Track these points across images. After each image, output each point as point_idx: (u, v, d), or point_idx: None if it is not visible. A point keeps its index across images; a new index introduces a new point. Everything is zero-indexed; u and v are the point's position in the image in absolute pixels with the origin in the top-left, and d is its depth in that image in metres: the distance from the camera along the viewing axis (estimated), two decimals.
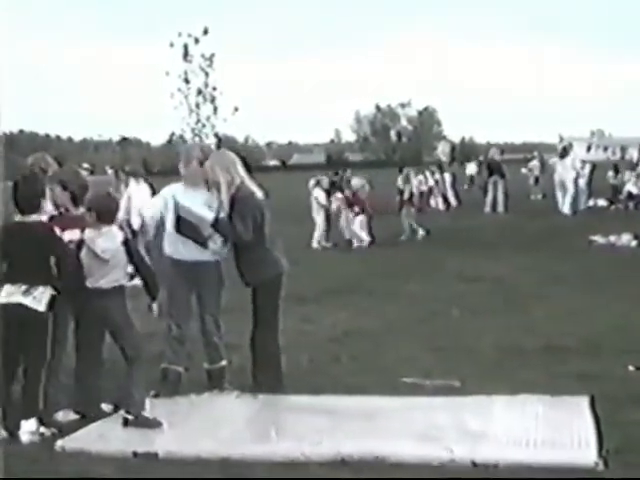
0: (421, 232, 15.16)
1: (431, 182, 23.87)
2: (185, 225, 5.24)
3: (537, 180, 27.55)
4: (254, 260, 5.30)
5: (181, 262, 5.32)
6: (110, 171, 17.14)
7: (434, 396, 5.16)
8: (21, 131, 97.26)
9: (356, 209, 14.69)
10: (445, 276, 10.39)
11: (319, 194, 15.06)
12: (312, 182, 15.17)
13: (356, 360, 6.21)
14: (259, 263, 5.32)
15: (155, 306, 4.95)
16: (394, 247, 14.21)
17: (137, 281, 6.01)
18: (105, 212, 4.76)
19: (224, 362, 5.47)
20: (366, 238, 14.57)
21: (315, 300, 8.96)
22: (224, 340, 5.53)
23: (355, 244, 14.50)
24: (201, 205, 5.30)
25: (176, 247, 5.34)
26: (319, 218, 14.89)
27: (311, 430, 4.53)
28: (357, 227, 14.68)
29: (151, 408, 5.04)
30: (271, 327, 5.39)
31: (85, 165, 15.84)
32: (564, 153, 20.61)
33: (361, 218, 14.75)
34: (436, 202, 23.80)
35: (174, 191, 5.39)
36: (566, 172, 19.70)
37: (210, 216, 5.26)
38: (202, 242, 5.26)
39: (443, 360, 6.07)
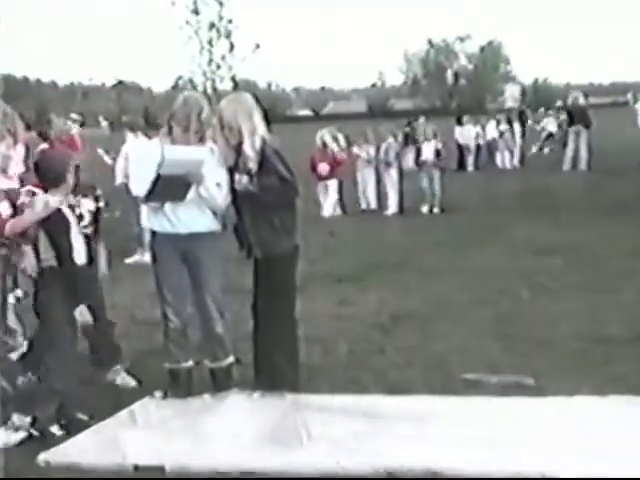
0: (436, 209, 14.73)
1: (494, 134, 23.69)
2: (165, 183, 5.07)
3: None
4: (281, 226, 5.28)
5: (171, 236, 5.28)
6: (104, 123, 17.15)
7: (501, 396, 5.12)
8: None
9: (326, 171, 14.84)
10: (512, 247, 10.32)
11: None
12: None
13: (404, 351, 6.20)
14: (287, 230, 5.32)
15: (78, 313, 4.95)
16: (449, 213, 14.18)
17: (138, 257, 6.07)
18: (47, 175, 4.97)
19: (231, 358, 5.45)
20: (329, 209, 14.85)
21: (355, 278, 8.98)
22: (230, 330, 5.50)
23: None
24: (192, 150, 5.22)
25: (163, 217, 5.26)
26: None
27: (349, 436, 4.53)
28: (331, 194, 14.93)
29: (158, 411, 5.09)
30: (291, 309, 5.39)
31: (74, 116, 15.82)
32: None
33: (328, 183, 14.89)
34: (502, 159, 23.64)
35: (161, 154, 5.15)
36: None
37: (202, 155, 5.17)
38: (182, 197, 5.18)
39: (511, 352, 6.03)
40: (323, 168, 14.83)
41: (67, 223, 4.91)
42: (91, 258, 5.03)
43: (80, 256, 4.94)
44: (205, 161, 5.22)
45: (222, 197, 5.29)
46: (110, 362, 5.78)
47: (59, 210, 4.87)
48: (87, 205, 5.48)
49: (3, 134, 5.20)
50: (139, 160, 5.46)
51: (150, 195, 5.18)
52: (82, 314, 4.87)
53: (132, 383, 5.70)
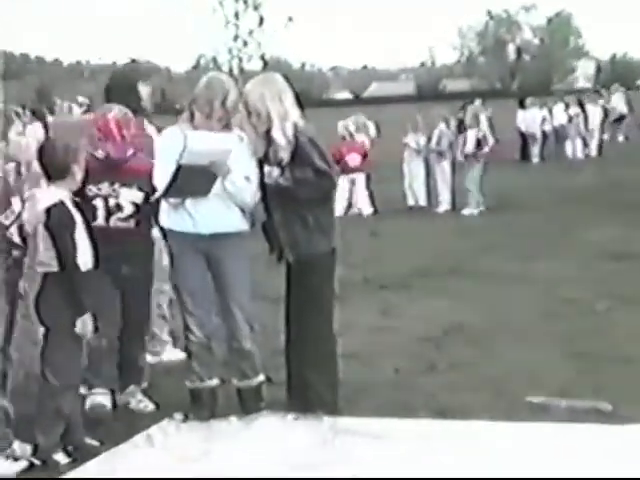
0: (481, 206, 14.54)
1: (563, 119, 23.50)
2: (187, 175, 5.09)
3: None
4: (316, 225, 5.29)
5: (192, 236, 5.29)
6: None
7: (572, 423, 5.09)
8: None
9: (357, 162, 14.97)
10: (585, 251, 10.27)
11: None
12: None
13: (458, 369, 6.22)
14: (323, 230, 5.32)
15: (80, 323, 4.83)
16: (510, 211, 14.11)
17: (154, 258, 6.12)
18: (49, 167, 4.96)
19: (261, 377, 5.49)
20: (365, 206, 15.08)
21: (401, 285, 8.98)
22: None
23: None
24: (218, 137, 5.27)
25: (183, 215, 5.28)
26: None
27: (394, 465, 4.54)
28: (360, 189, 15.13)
29: (178, 435, 5.13)
30: (328, 320, 5.41)
31: (80, 98, 16.04)
32: None
33: (355, 176, 15.03)
34: (573, 148, 23.45)
35: (183, 142, 5.21)
36: None
37: (229, 144, 5.22)
38: (206, 192, 5.20)
39: (584, 372, 6.00)
40: (353, 158, 14.88)
41: (72, 221, 4.87)
42: (97, 262, 4.97)
43: (86, 260, 4.89)
44: (232, 151, 5.24)
45: (251, 192, 5.31)
46: (127, 384, 5.80)
47: (63, 205, 4.85)
48: (128, 195, 5.55)
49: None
50: (158, 149, 5.47)
51: (169, 189, 5.20)
52: (83, 325, 4.81)
53: (149, 407, 5.75)
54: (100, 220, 5.46)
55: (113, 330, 5.52)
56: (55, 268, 4.82)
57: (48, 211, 4.83)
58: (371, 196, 15.24)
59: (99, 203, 5.51)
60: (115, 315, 5.54)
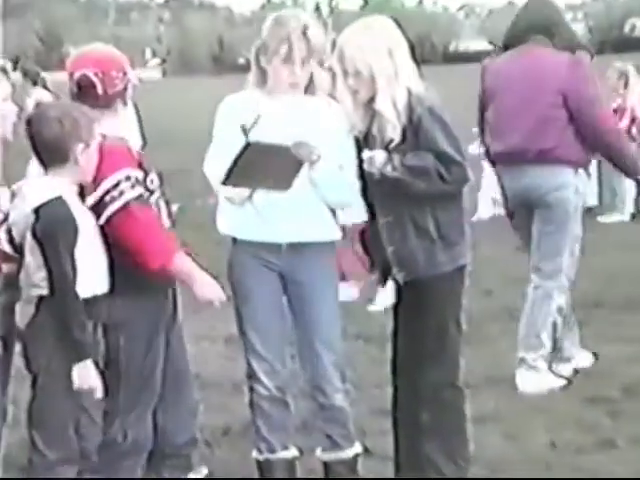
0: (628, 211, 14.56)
1: None
2: (257, 158, 5.03)
3: None
4: (438, 234, 5.32)
5: (263, 247, 5.35)
6: (153, 61, 17.85)
7: None
8: None
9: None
10: None
11: None
12: None
13: None
14: (448, 240, 5.35)
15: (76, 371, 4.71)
16: None
17: None
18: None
19: (357, 447, 5.53)
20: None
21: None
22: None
23: None
24: (301, 104, 5.34)
25: (251, 216, 5.30)
26: None
27: None
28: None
29: None
30: (452, 369, 5.46)
31: None
32: None
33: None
34: None
35: (253, 112, 5.28)
36: None
37: (316, 116, 5.29)
38: (286, 184, 5.15)
39: None
40: None
41: (72, 227, 4.74)
42: (113, 286, 4.90)
43: (90, 284, 4.80)
44: (321, 126, 5.31)
45: (346, 185, 5.37)
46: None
47: (60, 203, 4.73)
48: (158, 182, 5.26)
49: None
50: (216, 121, 5.51)
51: (229, 177, 5.11)
52: (79, 374, 4.69)
53: None
54: None
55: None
56: (45, 291, 4.76)
57: (37, 211, 4.73)
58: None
59: (163, 207, 5.30)
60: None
